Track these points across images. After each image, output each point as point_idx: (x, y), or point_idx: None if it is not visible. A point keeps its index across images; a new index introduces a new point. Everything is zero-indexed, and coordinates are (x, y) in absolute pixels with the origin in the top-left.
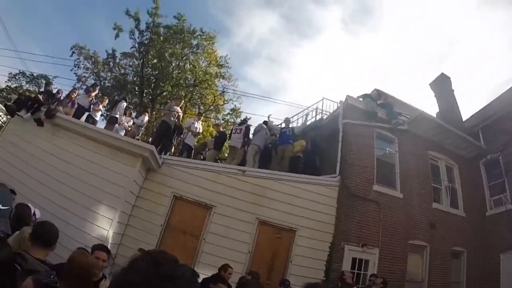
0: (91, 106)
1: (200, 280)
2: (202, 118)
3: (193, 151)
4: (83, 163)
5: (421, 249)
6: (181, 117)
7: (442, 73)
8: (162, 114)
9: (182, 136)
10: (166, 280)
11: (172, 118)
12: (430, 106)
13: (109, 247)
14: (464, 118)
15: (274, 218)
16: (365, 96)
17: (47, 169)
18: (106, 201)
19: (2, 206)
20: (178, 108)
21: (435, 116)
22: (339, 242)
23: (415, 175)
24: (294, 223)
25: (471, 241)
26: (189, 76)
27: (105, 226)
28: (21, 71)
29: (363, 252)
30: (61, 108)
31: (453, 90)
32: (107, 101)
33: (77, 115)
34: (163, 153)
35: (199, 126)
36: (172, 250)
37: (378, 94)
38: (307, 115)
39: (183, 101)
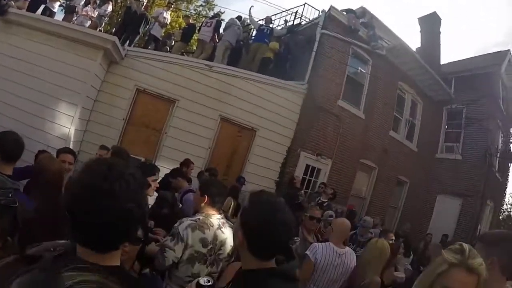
0: None
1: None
2: (172, 8)
3: (159, 43)
4: (40, 60)
5: (370, 170)
6: (148, 5)
7: (435, 12)
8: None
9: (148, 26)
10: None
11: (138, 5)
12: (412, 39)
13: (71, 145)
14: (443, 62)
15: (237, 116)
16: (349, 10)
17: (0, 71)
18: (66, 98)
19: None
20: None
21: (415, 50)
22: (296, 148)
23: (380, 100)
24: (255, 124)
25: (416, 175)
26: None
27: (66, 124)
28: None
29: (317, 161)
30: (12, 3)
31: (440, 32)
32: None
33: (32, 8)
34: (127, 43)
35: (167, 16)
36: (134, 144)
37: (363, 12)
38: (285, 18)
39: None
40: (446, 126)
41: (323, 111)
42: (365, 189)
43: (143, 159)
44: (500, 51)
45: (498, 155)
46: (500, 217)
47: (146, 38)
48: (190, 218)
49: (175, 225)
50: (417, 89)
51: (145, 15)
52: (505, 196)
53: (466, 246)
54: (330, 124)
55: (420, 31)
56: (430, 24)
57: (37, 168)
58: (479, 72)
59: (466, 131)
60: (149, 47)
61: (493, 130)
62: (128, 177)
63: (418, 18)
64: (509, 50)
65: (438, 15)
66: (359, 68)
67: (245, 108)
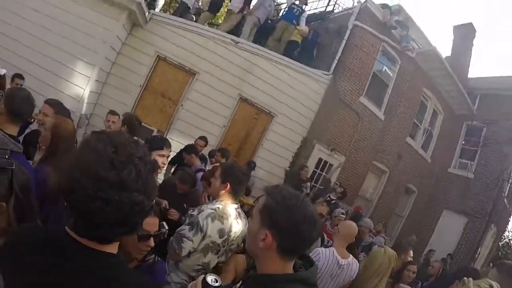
0: None
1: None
2: None
3: (189, 12)
4: (61, 15)
5: (381, 173)
6: None
7: (471, 23)
8: None
9: None
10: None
11: None
12: (444, 47)
13: (84, 106)
14: (470, 76)
15: (256, 98)
16: (385, 6)
17: (19, 22)
18: (84, 57)
19: None
20: None
21: (444, 58)
22: (312, 139)
23: (403, 104)
24: (274, 108)
25: (425, 186)
26: None
27: (81, 85)
28: None
29: (330, 155)
30: None
31: (472, 44)
32: None
33: None
34: (154, 6)
35: None
36: (148, 112)
37: (399, 10)
38: (318, 1)
39: None
40: (463, 142)
41: (344, 105)
42: (373, 192)
43: (155, 130)
44: None
45: (510, 181)
46: (500, 243)
47: (178, 5)
48: (209, 207)
49: (194, 213)
50: (441, 99)
51: None
52: (508, 223)
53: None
54: (349, 120)
55: (453, 40)
56: (464, 35)
57: (56, 133)
58: (506, 93)
59: (483, 151)
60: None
61: (510, 155)
62: (137, 162)
63: (453, 27)
64: None
65: (473, 27)
66: (386, 67)
67: (265, 90)
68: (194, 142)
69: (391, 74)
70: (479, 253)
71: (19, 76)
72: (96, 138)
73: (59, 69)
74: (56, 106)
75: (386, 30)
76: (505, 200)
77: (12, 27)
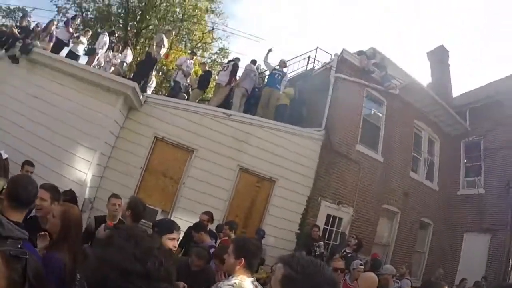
0: (71, 40)
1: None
2: (195, 57)
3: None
4: (61, 102)
5: (392, 215)
6: (167, 53)
7: (442, 45)
8: (149, 46)
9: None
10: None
11: (158, 51)
12: (423, 74)
13: (87, 190)
14: (454, 95)
15: (256, 166)
16: (360, 52)
17: (22, 109)
18: (85, 142)
19: None
20: (166, 42)
21: (426, 86)
22: (316, 197)
23: (398, 141)
24: (274, 173)
25: (440, 215)
26: (178, 10)
27: (83, 169)
28: None
29: (338, 210)
30: (38, 43)
31: (449, 65)
32: (90, 33)
33: (56, 49)
34: (145, 89)
35: (191, 65)
36: (152, 193)
37: (374, 53)
38: (298, 64)
39: (172, 35)
40: (466, 160)
41: (342, 157)
42: (389, 236)
43: (159, 210)
44: (509, 75)
45: None
46: None
47: (170, 86)
48: (226, 283)
49: None
50: (433, 126)
51: (156, 60)
52: None
53: None
54: (349, 170)
55: (430, 66)
56: (439, 57)
57: (66, 220)
58: (492, 100)
59: (486, 163)
60: (177, 93)
61: None
62: (157, 253)
63: (427, 53)
64: None
65: (445, 48)
66: (374, 110)
67: (263, 157)
68: (199, 218)
69: (380, 116)
70: (511, 264)
71: (29, 163)
72: (117, 234)
73: (61, 154)
74: (51, 190)
75: (366, 75)
76: None
77: (15, 113)
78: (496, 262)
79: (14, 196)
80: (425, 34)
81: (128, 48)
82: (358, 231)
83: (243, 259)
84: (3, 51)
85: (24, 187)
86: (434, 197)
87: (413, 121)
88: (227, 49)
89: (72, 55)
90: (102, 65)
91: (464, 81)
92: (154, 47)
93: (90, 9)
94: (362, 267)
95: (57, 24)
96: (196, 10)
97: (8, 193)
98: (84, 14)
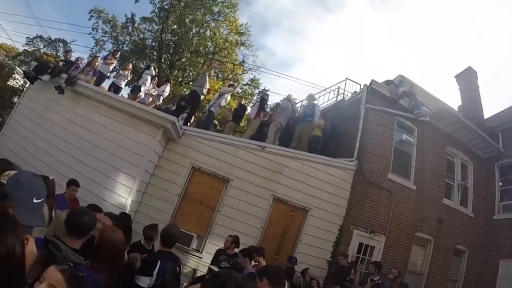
0: (111, 73)
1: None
2: (234, 90)
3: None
4: (104, 132)
5: (425, 243)
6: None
7: (470, 67)
8: (182, 77)
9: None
10: None
11: (202, 91)
12: (452, 98)
13: None
14: (485, 116)
15: (289, 196)
16: (388, 82)
17: (68, 136)
18: (126, 169)
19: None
20: (208, 81)
21: (456, 109)
22: (349, 226)
23: (430, 169)
24: (307, 203)
25: (474, 241)
26: (209, 44)
27: (124, 194)
28: (38, 35)
29: (370, 238)
30: (82, 76)
31: (478, 86)
32: (130, 66)
33: (97, 82)
34: (187, 123)
35: (228, 98)
36: (188, 219)
37: (402, 81)
38: (328, 96)
39: (212, 74)
40: (501, 184)
41: (374, 186)
42: (422, 264)
43: (195, 235)
44: None
45: None
46: None
47: (203, 115)
48: None
49: None
50: (465, 150)
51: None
52: None
53: None
54: (382, 199)
55: (459, 89)
56: (468, 80)
57: (102, 240)
58: None
59: None
60: (211, 124)
61: None
62: None
63: (455, 76)
64: None
65: (473, 69)
66: (406, 138)
67: (297, 187)
68: (225, 239)
69: (411, 143)
70: None
71: (74, 182)
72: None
73: (104, 180)
74: (114, 219)
75: (396, 104)
76: None
77: (62, 141)
78: None
79: (71, 227)
80: (454, 55)
81: (168, 84)
82: (391, 259)
83: (267, 281)
84: (49, 77)
85: (80, 219)
86: (469, 223)
87: (445, 146)
88: (257, 80)
89: (115, 88)
90: (142, 97)
91: (497, 100)
92: (203, 90)
93: (126, 42)
94: None
95: (99, 60)
96: (227, 44)
97: (66, 222)
98: (120, 46)
